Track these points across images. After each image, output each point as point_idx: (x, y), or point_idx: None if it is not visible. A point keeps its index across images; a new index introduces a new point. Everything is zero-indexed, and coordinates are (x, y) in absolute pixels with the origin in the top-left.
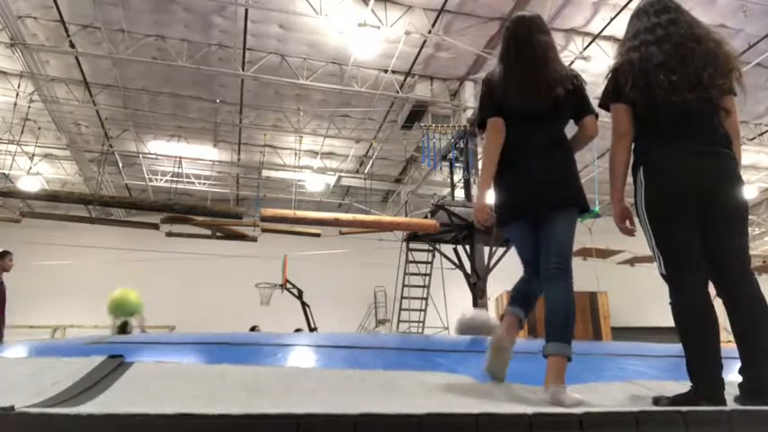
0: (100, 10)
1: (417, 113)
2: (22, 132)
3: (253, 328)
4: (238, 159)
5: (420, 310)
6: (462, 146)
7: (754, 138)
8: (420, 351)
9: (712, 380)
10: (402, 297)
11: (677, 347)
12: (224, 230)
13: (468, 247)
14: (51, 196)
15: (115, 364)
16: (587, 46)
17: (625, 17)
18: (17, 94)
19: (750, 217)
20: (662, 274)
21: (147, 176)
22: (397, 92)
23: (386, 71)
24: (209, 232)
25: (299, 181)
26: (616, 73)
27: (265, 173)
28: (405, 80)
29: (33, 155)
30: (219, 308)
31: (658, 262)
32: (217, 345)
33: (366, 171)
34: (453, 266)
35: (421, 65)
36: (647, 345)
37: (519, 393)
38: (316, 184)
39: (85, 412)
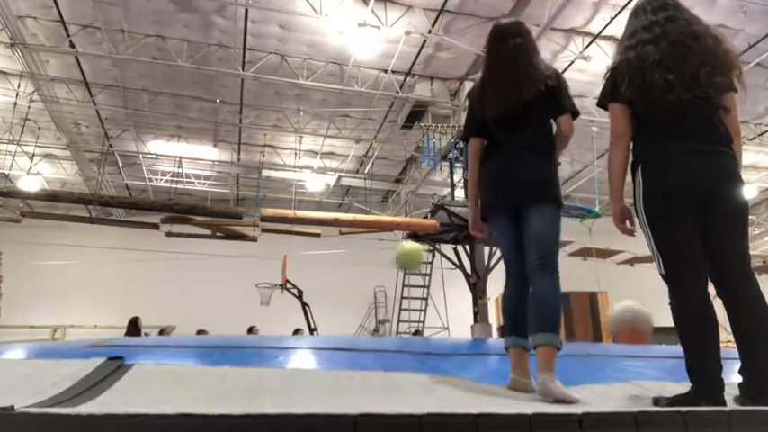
0: (100, 10)
1: (417, 113)
2: (22, 132)
3: (250, 329)
4: (238, 159)
5: (420, 311)
6: (462, 146)
7: (754, 138)
8: (420, 354)
9: (712, 380)
10: (402, 297)
11: (677, 348)
12: (224, 230)
13: (468, 247)
14: (51, 196)
15: (115, 366)
16: (587, 46)
17: (625, 17)
18: (17, 94)
19: (750, 217)
20: (661, 275)
21: (147, 176)
22: (397, 92)
23: (386, 71)
24: (209, 232)
25: (299, 181)
26: (614, 72)
27: (265, 173)
28: (405, 80)
29: (33, 155)
30: (219, 308)
31: (657, 262)
32: (217, 348)
33: (366, 171)
34: (453, 266)
35: (421, 65)
36: (647, 345)
37: (519, 393)
38: (316, 184)
39: (86, 412)
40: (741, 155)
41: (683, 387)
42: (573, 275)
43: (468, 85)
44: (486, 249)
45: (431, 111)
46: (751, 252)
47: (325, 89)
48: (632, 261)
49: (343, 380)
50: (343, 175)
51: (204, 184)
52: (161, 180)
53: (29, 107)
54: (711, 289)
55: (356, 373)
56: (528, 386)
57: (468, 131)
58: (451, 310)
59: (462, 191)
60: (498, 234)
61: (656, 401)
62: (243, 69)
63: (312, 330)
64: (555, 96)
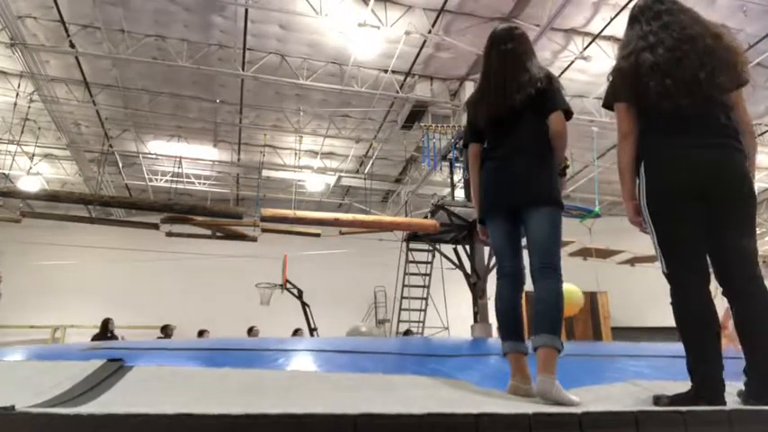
0: (100, 10)
1: (417, 113)
2: (22, 132)
3: (250, 330)
4: (238, 159)
5: (420, 310)
6: (462, 146)
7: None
8: (420, 356)
9: (712, 380)
10: (402, 297)
11: (677, 347)
12: (224, 230)
13: (468, 247)
14: (51, 196)
15: (115, 368)
16: (587, 46)
17: (625, 17)
18: (17, 94)
19: None
20: (664, 273)
21: (147, 176)
22: (397, 92)
23: (386, 71)
24: (209, 232)
25: (299, 181)
26: (615, 74)
27: (265, 173)
28: (405, 80)
29: (33, 155)
30: (219, 308)
31: (660, 261)
32: (217, 350)
33: (366, 171)
34: (453, 266)
35: (421, 65)
36: (647, 345)
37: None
38: (316, 184)
39: (86, 412)
40: (755, 149)
41: (683, 386)
42: (573, 275)
43: (469, 85)
44: (486, 249)
45: (431, 111)
46: None
47: (325, 89)
48: (632, 261)
49: (343, 381)
50: (343, 175)
51: (204, 184)
52: (161, 180)
53: (29, 107)
54: (713, 286)
55: (356, 375)
56: (528, 392)
57: (466, 138)
58: (451, 310)
59: (462, 191)
60: (492, 236)
61: (657, 401)
62: (243, 69)
63: (312, 330)
64: (545, 96)
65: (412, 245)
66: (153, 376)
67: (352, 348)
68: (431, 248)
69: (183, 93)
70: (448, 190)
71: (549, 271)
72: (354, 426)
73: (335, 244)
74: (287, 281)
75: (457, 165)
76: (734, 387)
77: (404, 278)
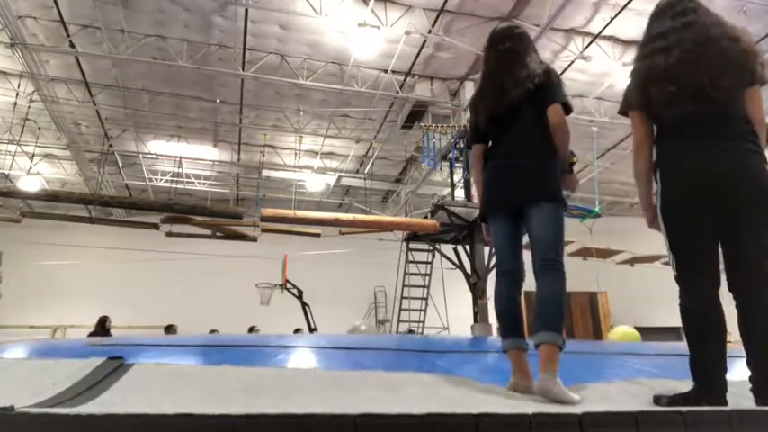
0: (100, 10)
1: (417, 113)
2: (22, 132)
3: (251, 330)
4: (238, 159)
5: (420, 310)
6: (462, 146)
7: None
8: (420, 352)
9: (714, 382)
10: (402, 297)
11: (677, 346)
12: (224, 230)
13: (468, 247)
14: (51, 196)
15: (115, 365)
16: (587, 46)
17: (625, 17)
18: (17, 94)
19: None
20: (674, 276)
21: (147, 176)
22: (397, 92)
23: (386, 71)
24: (209, 232)
25: (299, 181)
26: (631, 78)
27: (265, 173)
28: (405, 80)
29: (33, 155)
30: (219, 308)
31: (671, 264)
32: (217, 347)
33: (366, 171)
34: (453, 266)
35: (421, 65)
36: (646, 344)
37: (519, 394)
38: (316, 184)
39: (86, 412)
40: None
41: (684, 385)
42: (573, 275)
43: (469, 85)
44: (486, 249)
45: (431, 111)
46: None
47: (326, 89)
48: (632, 261)
49: (343, 379)
50: (343, 175)
51: (204, 184)
52: (161, 180)
53: (29, 107)
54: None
55: (356, 373)
56: (529, 389)
57: (469, 138)
58: (451, 310)
59: (462, 191)
60: (494, 232)
61: (657, 400)
62: (243, 69)
63: (312, 330)
64: (542, 90)
65: (412, 245)
66: (153, 374)
67: (353, 345)
68: (431, 248)
69: (183, 93)
70: (448, 190)
71: (551, 267)
72: (354, 426)
73: (335, 244)
74: (287, 281)
75: (457, 165)
76: (735, 387)
77: (404, 278)
